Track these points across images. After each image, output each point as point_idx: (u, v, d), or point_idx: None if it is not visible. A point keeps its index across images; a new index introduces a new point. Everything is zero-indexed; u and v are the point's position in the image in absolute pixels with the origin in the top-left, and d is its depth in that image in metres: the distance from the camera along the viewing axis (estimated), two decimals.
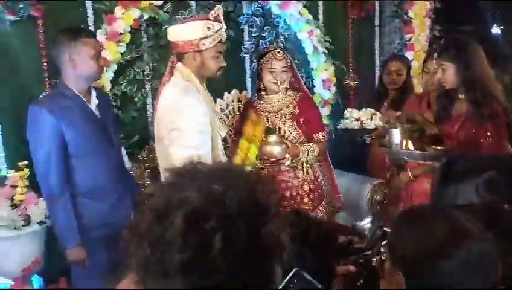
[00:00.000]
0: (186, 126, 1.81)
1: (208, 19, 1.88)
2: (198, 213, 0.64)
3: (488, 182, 0.55)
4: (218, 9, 1.89)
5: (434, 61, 2.11)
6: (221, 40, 1.91)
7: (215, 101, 2.77)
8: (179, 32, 1.92)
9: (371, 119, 2.53)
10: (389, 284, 0.97)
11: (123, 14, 2.60)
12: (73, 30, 1.98)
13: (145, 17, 2.69)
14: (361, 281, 1.09)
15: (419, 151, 1.99)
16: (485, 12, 5.59)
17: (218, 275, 0.63)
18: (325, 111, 3.23)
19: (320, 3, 3.31)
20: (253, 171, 0.77)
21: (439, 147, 2.01)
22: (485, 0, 5.39)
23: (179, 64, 1.94)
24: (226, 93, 2.84)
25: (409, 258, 0.91)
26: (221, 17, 1.89)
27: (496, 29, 5.63)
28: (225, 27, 1.92)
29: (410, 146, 1.98)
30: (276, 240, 0.67)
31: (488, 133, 1.88)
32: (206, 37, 1.85)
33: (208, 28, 1.84)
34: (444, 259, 0.86)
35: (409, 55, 3.33)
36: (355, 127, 2.57)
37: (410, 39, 3.41)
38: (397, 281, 0.93)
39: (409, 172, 2.31)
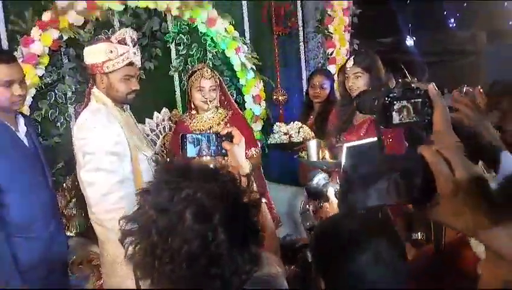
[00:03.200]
0: (96, 148, 1.78)
1: (110, 42, 1.88)
2: (206, 210, 0.77)
3: (393, 185, 0.59)
4: (124, 33, 1.89)
5: (348, 69, 2.27)
6: (130, 63, 1.90)
7: (145, 121, 2.74)
8: (86, 55, 1.93)
9: (298, 132, 2.62)
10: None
11: (40, 35, 2.49)
12: None
13: (65, 37, 2.58)
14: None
15: (333, 160, 2.11)
16: (401, 25, 6.06)
17: (219, 262, 0.77)
18: (257, 126, 3.30)
19: (246, 20, 3.39)
20: (228, 170, 0.91)
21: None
22: (400, 14, 5.84)
23: (94, 88, 1.93)
24: (155, 113, 2.81)
25: (325, 262, 0.99)
26: (129, 41, 1.88)
27: (410, 41, 6.13)
28: (134, 50, 1.91)
29: (327, 156, 2.10)
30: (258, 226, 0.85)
31: (389, 135, 2.05)
32: (109, 60, 1.85)
33: (111, 51, 1.84)
34: (350, 262, 0.95)
35: (331, 68, 3.51)
36: (285, 141, 2.65)
37: (331, 53, 3.60)
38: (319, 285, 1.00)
39: None
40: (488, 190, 0.59)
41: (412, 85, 0.85)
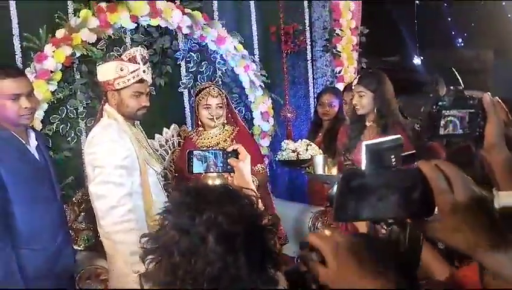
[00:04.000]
0: (105, 162, 1.82)
1: (121, 60, 1.96)
2: (227, 233, 0.79)
3: (392, 199, 0.59)
4: (135, 52, 1.96)
5: (353, 87, 2.29)
6: (141, 80, 1.96)
7: (154, 137, 2.76)
8: (98, 73, 2.00)
9: (307, 150, 2.63)
10: None
11: (54, 52, 2.54)
12: None
13: (78, 54, 2.64)
14: None
15: (339, 174, 2.10)
16: (408, 45, 6.11)
17: (239, 284, 0.78)
18: (264, 142, 3.31)
19: (255, 38, 3.44)
20: (248, 193, 0.92)
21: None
22: (407, 32, 5.89)
23: (106, 105, 1.98)
24: (165, 129, 2.83)
25: None
26: (139, 59, 1.95)
27: (417, 60, 6.16)
28: (144, 67, 1.97)
29: (333, 171, 2.09)
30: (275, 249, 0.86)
31: None
32: (120, 77, 1.92)
33: (121, 68, 1.91)
34: None
35: (340, 86, 3.53)
36: (292, 158, 2.65)
37: (340, 71, 3.62)
38: None
39: None
40: (488, 209, 0.58)
41: (465, 93, 0.78)
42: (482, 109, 0.75)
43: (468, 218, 0.56)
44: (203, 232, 0.79)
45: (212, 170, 1.23)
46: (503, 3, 6.09)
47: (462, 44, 6.73)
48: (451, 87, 0.80)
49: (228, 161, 1.22)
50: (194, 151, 1.24)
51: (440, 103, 0.76)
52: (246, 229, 0.81)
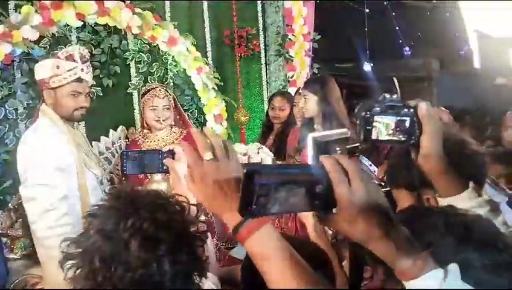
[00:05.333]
0: (38, 163, 1.75)
1: (58, 57, 1.89)
2: (152, 240, 0.77)
3: (299, 193, 0.61)
4: (73, 50, 1.90)
5: (300, 91, 2.34)
6: (78, 79, 1.89)
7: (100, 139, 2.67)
8: (35, 71, 1.93)
9: (258, 153, 2.64)
10: None
11: None
12: None
13: (18, 52, 2.50)
14: None
15: None
16: (359, 52, 6.32)
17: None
18: None
19: (208, 41, 3.42)
20: (181, 199, 0.90)
21: None
22: (358, 40, 6.09)
23: (42, 105, 1.90)
24: (111, 131, 2.74)
25: None
26: (77, 57, 1.88)
27: (367, 66, 6.39)
28: (83, 66, 1.90)
29: None
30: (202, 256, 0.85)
31: None
32: (56, 75, 1.85)
33: (57, 66, 1.85)
34: None
35: (292, 90, 3.58)
36: (243, 162, 2.65)
37: (292, 76, 3.68)
38: None
39: None
40: (383, 203, 0.61)
41: (400, 102, 0.79)
42: (416, 118, 0.77)
43: (363, 210, 0.59)
44: (126, 238, 0.77)
45: (147, 171, 1.19)
46: (447, 14, 6.45)
47: (409, 52, 7.05)
48: (386, 94, 0.82)
49: (164, 161, 1.18)
50: (128, 152, 1.21)
51: (373, 109, 0.78)
52: (172, 236, 0.80)
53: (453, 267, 0.62)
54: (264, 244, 0.67)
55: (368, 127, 0.78)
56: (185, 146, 0.73)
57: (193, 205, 1.07)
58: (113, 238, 0.77)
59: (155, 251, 0.77)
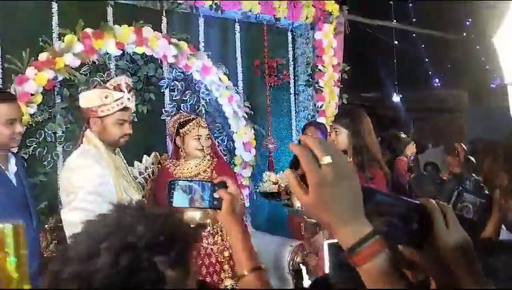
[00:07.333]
0: (79, 188, 1.77)
1: (106, 88, 1.95)
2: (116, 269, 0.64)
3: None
4: (121, 80, 1.95)
5: (331, 124, 2.33)
6: (124, 108, 1.94)
7: (134, 164, 2.71)
8: (81, 99, 1.97)
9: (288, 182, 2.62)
10: None
11: (35, 74, 2.51)
12: None
13: (60, 78, 2.61)
14: None
15: None
16: (387, 83, 6.31)
17: None
18: (246, 173, 3.30)
19: (240, 70, 3.49)
20: (177, 217, 0.75)
21: None
22: (387, 71, 6.10)
23: (87, 131, 1.95)
24: (144, 156, 2.79)
25: None
26: (124, 87, 1.93)
27: (396, 98, 6.35)
28: (128, 95, 1.95)
29: None
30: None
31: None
32: (104, 105, 1.90)
33: (106, 96, 1.90)
34: None
35: (321, 120, 3.58)
36: (274, 191, 2.64)
37: (321, 106, 3.69)
38: None
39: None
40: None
41: (481, 182, 0.87)
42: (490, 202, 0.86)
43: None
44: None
45: (197, 205, 1.04)
46: (477, 47, 6.40)
47: (439, 84, 6.99)
48: (474, 175, 0.92)
49: (217, 192, 1.03)
50: (179, 181, 1.04)
51: (464, 186, 0.88)
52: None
53: None
54: (385, 268, 0.59)
55: (455, 201, 0.87)
56: (298, 148, 0.62)
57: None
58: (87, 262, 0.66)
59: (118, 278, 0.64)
